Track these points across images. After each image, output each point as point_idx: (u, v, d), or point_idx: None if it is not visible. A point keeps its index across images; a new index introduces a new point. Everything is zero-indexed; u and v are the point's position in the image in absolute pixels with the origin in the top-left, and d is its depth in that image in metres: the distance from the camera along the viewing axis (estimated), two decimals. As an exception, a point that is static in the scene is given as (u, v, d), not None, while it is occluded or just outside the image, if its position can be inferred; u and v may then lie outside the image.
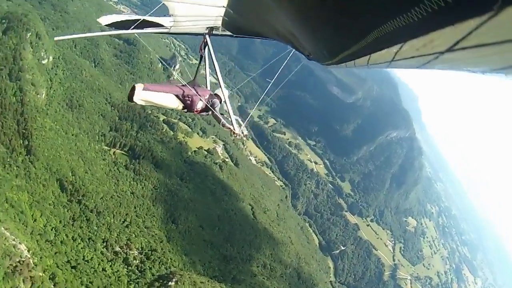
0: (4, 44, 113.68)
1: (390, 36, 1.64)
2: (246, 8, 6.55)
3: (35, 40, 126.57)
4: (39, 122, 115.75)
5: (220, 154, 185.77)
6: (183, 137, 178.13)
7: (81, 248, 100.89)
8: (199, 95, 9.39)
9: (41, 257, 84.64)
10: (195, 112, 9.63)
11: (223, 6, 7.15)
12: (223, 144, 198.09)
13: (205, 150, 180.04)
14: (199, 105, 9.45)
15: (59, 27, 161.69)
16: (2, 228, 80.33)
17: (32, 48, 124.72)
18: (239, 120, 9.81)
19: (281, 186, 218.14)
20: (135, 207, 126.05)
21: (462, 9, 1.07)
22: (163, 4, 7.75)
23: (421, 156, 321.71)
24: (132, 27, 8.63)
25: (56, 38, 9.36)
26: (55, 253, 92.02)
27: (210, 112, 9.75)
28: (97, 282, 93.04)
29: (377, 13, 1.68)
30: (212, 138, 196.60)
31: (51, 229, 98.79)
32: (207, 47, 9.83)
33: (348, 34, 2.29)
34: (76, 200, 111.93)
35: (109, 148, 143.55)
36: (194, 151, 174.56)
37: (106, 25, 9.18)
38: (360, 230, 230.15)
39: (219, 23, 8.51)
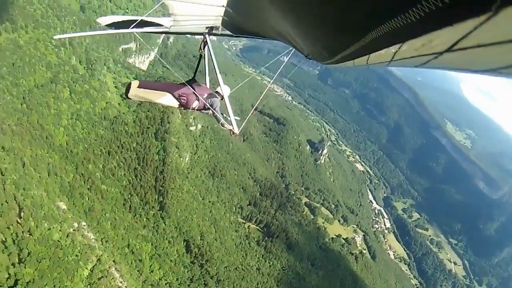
0: (154, 105, 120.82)
1: (389, 36, 1.63)
2: (245, 7, 6.27)
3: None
4: (177, 183, 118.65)
5: (358, 245, 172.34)
6: (323, 223, 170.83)
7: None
8: (196, 94, 9.12)
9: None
10: (191, 110, 9.34)
11: (223, 6, 7.02)
12: (363, 235, 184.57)
13: (343, 238, 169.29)
14: (195, 104, 9.17)
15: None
16: (113, 268, 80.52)
17: (181, 114, 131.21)
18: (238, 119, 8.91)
19: (416, 285, 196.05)
20: (258, 284, 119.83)
21: (461, 10, 1.06)
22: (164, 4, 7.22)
23: None
24: (131, 27, 7.77)
25: (55, 37, 8.72)
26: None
27: (209, 111, 9.33)
28: None
29: (375, 13, 1.66)
30: (353, 227, 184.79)
31: (166, 284, 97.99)
32: (206, 47, 9.24)
33: (347, 34, 2.30)
34: (199, 264, 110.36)
35: (244, 221, 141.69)
36: (332, 238, 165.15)
37: (105, 25, 8.71)
38: None
39: (218, 22, 8.29)
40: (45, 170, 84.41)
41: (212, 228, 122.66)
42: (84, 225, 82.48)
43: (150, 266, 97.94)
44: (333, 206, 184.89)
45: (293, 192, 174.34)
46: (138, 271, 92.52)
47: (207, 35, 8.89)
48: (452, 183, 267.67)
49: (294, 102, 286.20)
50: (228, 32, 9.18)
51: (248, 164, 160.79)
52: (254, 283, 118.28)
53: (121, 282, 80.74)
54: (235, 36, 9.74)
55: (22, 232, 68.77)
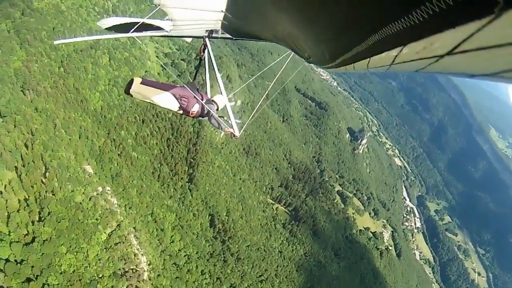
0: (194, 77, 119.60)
1: (391, 38, 1.62)
2: (245, 12, 6.07)
3: (225, 82, 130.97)
4: (209, 156, 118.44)
5: (385, 240, 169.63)
6: (353, 213, 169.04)
7: (205, 284, 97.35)
8: (197, 98, 8.53)
9: (158, 275, 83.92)
10: (191, 115, 8.70)
11: (222, 11, 6.86)
12: (392, 231, 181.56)
13: (371, 232, 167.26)
14: (195, 107, 8.62)
15: (253, 74, 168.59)
16: (132, 235, 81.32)
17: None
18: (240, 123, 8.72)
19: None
20: (277, 267, 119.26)
21: (463, 12, 1.05)
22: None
23: None
24: (132, 30, 7.60)
25: (55, 42, 7.98)
26: (176, 277, 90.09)
27: (206, 118, 8.94)
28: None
29: (378, 15, 1.64)
30: (383, 222, 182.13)
31: (184, 256, 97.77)
32: (206, 50, 8.90)
33: (349, 37, 2.28)
34: (221, 239, 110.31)
35: (273, 203, 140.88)
36: (360, 230, 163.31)
37: (106, 29, 8.64)
38: None
39: (218, 26, 8.01)
40: (76, 133, 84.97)
41: (239, 206, 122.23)
42: (108, 190, 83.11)
43: (171, 236, 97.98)
44: (365, 198, 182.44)
45: (327, 179, 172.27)
46: (158, 240, 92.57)
47: (206, 39, 8.68)
48: (488, 191, 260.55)
49: (339, 88, 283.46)
50: (227, 35, 8.82)
51: (284, 145, 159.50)
52: (274, 265, 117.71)
53: (137, 249, 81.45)
54: (235, 39, 9.31)
55: (45, 191, 69.73)
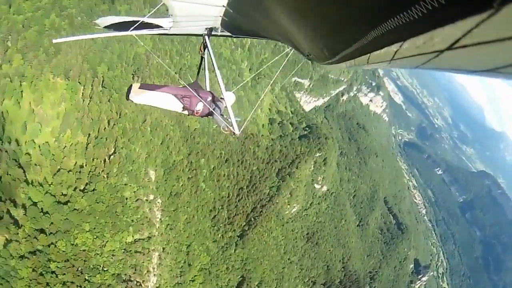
0: (293, 145, 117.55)
1: (391, 34, 1.60)
2: (246, 7, 5.88)
3: (320, 162, 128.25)
4: (270, 224, 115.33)
5: None
6: None
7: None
8: (200, 97, 8.41)
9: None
10: (196, 114, 8.60)
11: (223, 6, 6.68)
12: None
13: None
14: (199, 106, 8.49)
15: (351, 169, 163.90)
16: (157, 254, 79.82)
17: (313, 166, 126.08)
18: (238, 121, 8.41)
19: None
20: None
21: (463, 7, 1.04)
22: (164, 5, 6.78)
23: None
24: (131, 29, 7.20)
25: (54, 41, 7.33)
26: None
27: (213, 116, 8.72)
28: None
29: (377, 11, 1.63)
30: None
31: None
32: (206, 48, 8.60)
33: (349, 33, 2.26)
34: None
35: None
36: None
37: (104, 27, 8.32)
38: None
39: (218, 23, 7.68)
40: (161, 138, 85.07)
41: (274, 283, 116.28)
42: (158, 202, 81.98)
43: (194, 276, 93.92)
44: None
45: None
46: (180, 271, 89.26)
47: (206, 36, 8.27)
48: None
49: (425, 217, 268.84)
50: (227, 33, 8.35)
51: (347, 248, 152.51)
52: None
53: (153, 268, 79.22)
54: (234, 37, 9.05)
55: (102, 170, 70.88)
